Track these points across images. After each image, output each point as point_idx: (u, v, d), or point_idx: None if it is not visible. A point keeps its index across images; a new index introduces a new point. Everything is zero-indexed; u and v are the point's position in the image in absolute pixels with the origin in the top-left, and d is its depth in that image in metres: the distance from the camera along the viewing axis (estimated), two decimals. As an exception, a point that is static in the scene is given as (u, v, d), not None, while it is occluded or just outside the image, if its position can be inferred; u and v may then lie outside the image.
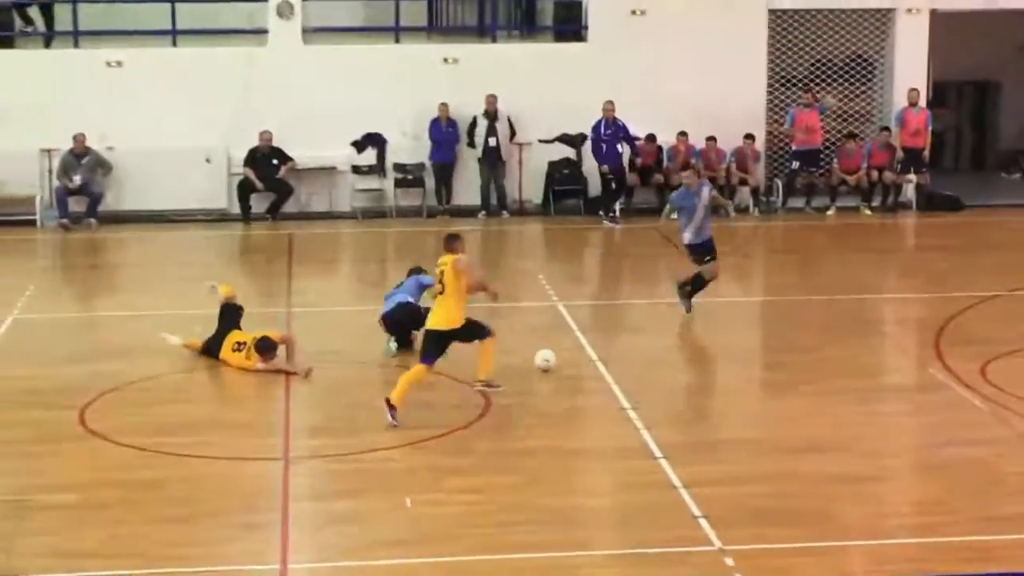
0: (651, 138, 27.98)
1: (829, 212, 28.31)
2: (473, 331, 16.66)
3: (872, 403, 17.04)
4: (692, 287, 20.17)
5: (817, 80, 29.13)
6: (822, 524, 13.36)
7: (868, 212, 28.36)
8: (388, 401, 16.02)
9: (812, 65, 29.21)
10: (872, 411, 16.72)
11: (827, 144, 29.06)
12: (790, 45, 29.03)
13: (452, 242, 16.61)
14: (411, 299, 18.71)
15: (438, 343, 16.34)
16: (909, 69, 28.80)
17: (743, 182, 28.34)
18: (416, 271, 19.30)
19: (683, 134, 28.06)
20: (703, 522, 13.23)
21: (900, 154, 28.49)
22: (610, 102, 27.29)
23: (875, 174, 28.50)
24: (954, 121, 33.34)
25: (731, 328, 20.45)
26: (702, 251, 20.05)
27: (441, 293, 16.35)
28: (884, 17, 29.13)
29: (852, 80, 29.32)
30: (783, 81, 29.21)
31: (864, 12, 29.03)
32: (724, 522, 13.18)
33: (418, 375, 16.35)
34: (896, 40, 28.88)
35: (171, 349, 18.56)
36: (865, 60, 29.29)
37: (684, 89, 27.84)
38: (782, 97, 29.13)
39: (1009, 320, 20.37)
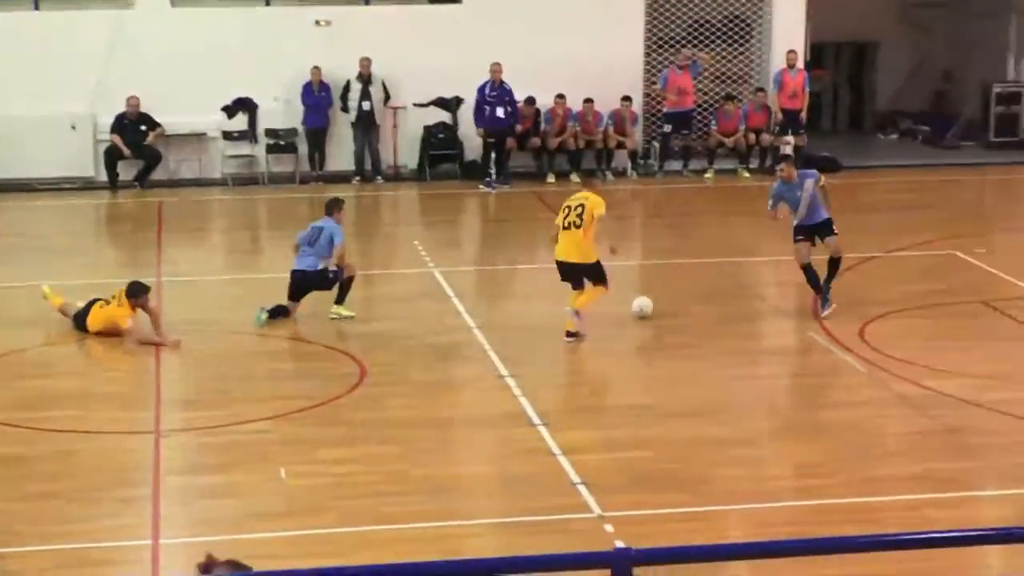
0: (530, 101, 27.76)
1: (707, 174, 28.27)
2: (598, 274, 17.47)
3: (752, 366, 17.04)
4: (815, 281, 18.75)
5: (694, 41, 29.05)
6: (702, 488, 13.31)
7: (746, 174, 28.36)
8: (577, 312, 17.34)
9: (690, 26, 29.12)
10: (752, 374, 16.72)
11: (703, 106, 29.01)
12: (668, 6, 28.91)
13: (593, 180, 18.50)
14: (321, 263, 18.31)
15: (572, 275, 17.45)
16: (787, 30, 28.78)
17: (620, 145, 28.22)
18: (334, 207, 18.77)
19: (561, 97, 27.86)
20: (582, 489, 13.13)
21: (778, 116, 28.50)
22: (498, 64, 27.07)
23: (752, 136, 28.50)
24: (831, 82, 33.47)
25: (610, 293, 20.32)
26: (812, 231, 18.68)
27: (578, 227, 17.20)
28: (761, -22, 29.10)
29: (730, 41, 29.27)
30: (660, 43, 29.10)
31: (741, -27, 29.02)
32: (603, 488, 13.09)
33: (598, 295, 17.54)
34: (774, 1, 28.84)
35: (38, 319, 18.11)
36: (743, 21, 29.25)
37: (561, 51, 27.61)
38: (660, 59, 29.02)
39: (887, 281, 20.43)
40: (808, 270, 18.73)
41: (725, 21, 29.15)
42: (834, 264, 18.78)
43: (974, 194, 26.89)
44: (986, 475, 13.84)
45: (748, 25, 29.27)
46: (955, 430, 14.76)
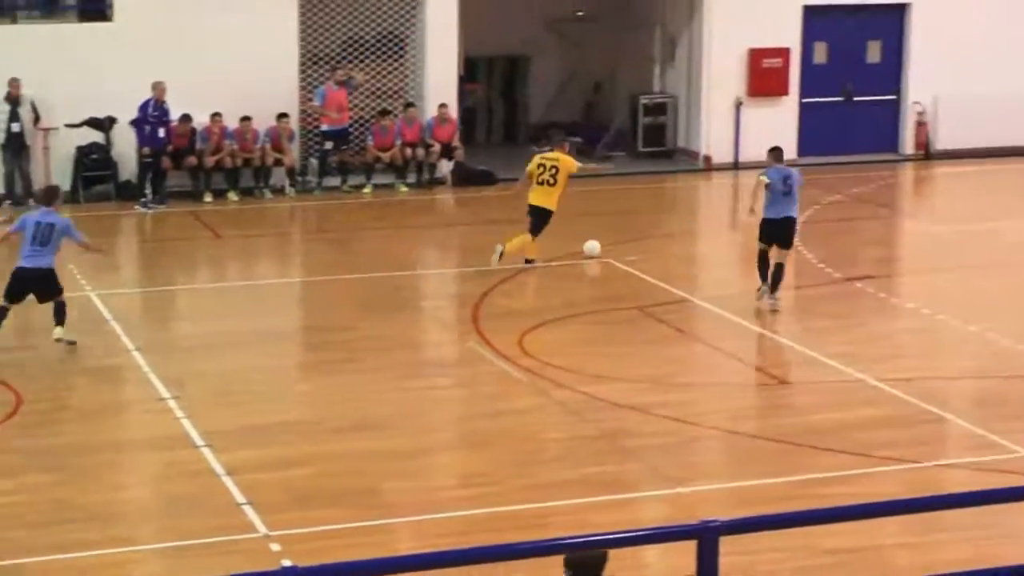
0: (185, 118, 27.40)
1: (366, 190, 28.35)
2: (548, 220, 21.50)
3: (415, 379, 17.18)
4: (767, 281, 19.39)
5: (349, 58, 29.11)
6: (369, 503, 13.40)
7: (404, 189, 28.54)
8: (503, 250, 20.97)
9: (344, 43, 29.17)
10: (415, 387, 16.87)
11: (359, 122, 29.09)
12: (321, 23, 28.92)
13: (563, 141, 22.54)
14: (53, 262, 17.80)
15: (543, 219, 21.35)
16: (439, 45, 29.07)
17: (278, 162, 28.08)
18: (56, 197, 18.44)
19: (217, 115, 27.59)
20: (248, 509, 13.08)
21: (436, 150, 28.66)
22: (161, 82, 26.61)
23: (409, 151, 28.68)
24: (485, 95, 33.90)
25: (271, 310, 20.27)
26: (773, 228, 19.38)
27: (552, 184, 21.34)
28: (413, -6, 29.33)
29: (384, 57, 29.40)
30: (314, 59, 29.09)
31: (393, -11, 29.20)
32: (269, 507, 13.06)
33: (527, 243, 21.30)
34: (426, 16, 29.07)
35: None
36: (396, 37, 29.43)
37: (216, 68, 27.32)
38: (315, 75, 29.00)
39: (542, 291, 20.87)
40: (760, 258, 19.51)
41: (378, 37, 29.29)
42: (776, 270, 19.41)
43: (625, 203, 27.54)
44: (644, 476, 14.24)
45: (401, 41, 29.47)
46: (613, 434, 15.15)
